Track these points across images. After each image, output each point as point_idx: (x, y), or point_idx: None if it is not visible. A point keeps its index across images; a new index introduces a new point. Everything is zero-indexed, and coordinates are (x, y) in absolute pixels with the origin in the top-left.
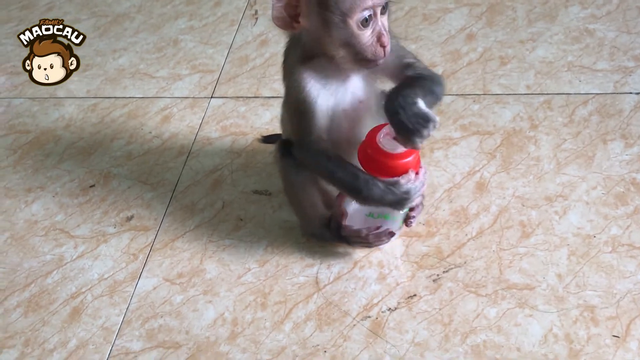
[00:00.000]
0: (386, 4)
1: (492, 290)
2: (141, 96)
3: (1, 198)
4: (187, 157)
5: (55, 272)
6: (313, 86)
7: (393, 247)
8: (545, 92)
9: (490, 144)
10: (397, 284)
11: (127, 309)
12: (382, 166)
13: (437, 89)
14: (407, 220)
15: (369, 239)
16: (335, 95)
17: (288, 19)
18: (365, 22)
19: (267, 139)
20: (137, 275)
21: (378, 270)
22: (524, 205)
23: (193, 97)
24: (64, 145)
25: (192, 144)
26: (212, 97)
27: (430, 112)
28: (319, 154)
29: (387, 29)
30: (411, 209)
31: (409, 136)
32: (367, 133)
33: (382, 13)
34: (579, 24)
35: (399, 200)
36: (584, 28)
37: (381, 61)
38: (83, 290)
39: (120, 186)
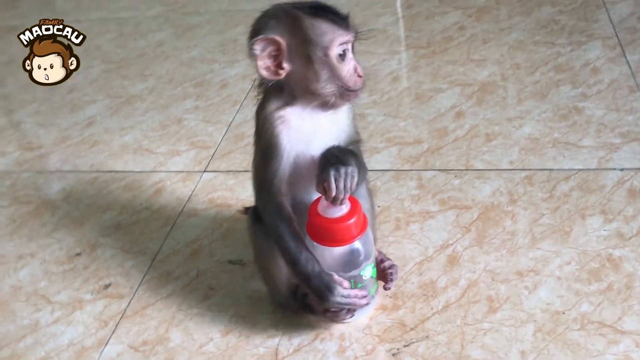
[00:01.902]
0: (354, 40)
1: None
2: (139, 170)
3: None
4: (172, 227)
5: (28, 336)
6: (283, 130)
7: (357, 321)
8: (528, 168)
9: (466, 218)
10: (356, 358)
11: None
12: (325, 232)
13: (365, 175)
14: (384, 286)
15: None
16: (305, 140)
17: (273, 68)
18: (341, 57)
19: (249, 210)
20: (105, 342)
21: (338, 343)
22: (493, 280)
23: (187, 171)
24: (59, 215)
25: (179, 215)
26: (204, 171)
27: (351, 163)
28: (275, 210)
29: (357, 62)
30: (382, 277)
31: (323, 181)
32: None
33: (352, 50)
34: (568, 102)
35: (321, 291)
36: (573, 106)
37: (360, 91)
38: (52, 355)
39: (104, 254)
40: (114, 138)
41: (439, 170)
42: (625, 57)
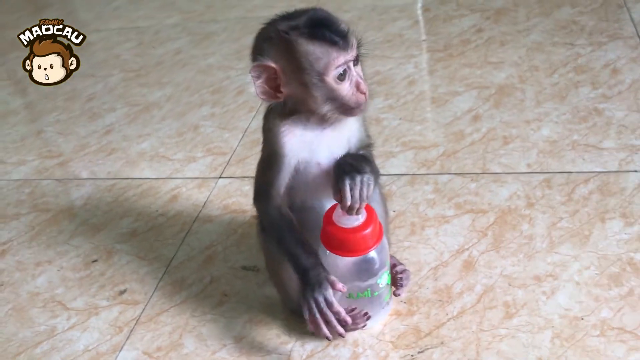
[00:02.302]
0: (357, 56)
1: None
2: (155, 177)
3: (12, 271)
4: (187, 234)
5: (45, 342)
6: (289, 140)
7: (371, 326)
8: (546, 171)
9: (482, 222)
10: None
11: None
12: (340, 241)
13: (378, 181)
14: (395, 292)
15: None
16: (311, 149)
17: (271, 92)
18: (341, 77)
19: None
20: (119, 348)
21: (352, 350)
22: (510, 285)
23: (203, 178)
24: (77, 222)
25: (194, 221)
26: (220, 177)
27: (366, 171)
28: (273, 211)
29: (362, 77)
30: (395, 285)
31: (339, 190)
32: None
33: (355, 64)
34: (588, 103)
35: (312, 285)
36: (592, 107)
37: (364, 107)
38: None
39: (120, 261)
40: (132, 145)
41: (455, 174)
42: None
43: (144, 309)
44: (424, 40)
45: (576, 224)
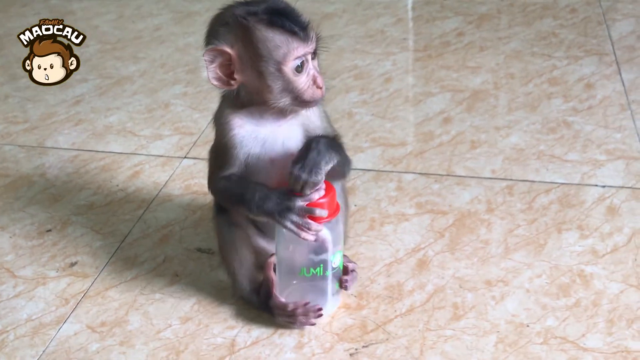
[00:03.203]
0: (315, 49)
1: None
2: (119, 152)
3: None
4: (145, 211)
5: None
6: (238, 132)
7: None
8: (509, 178)
9: (441, 223)
10: (313, 354)
11: (43, 351)
12: None
13: (347, 169)
14: (342, 284)
15: (296, 313)
16: (263, 144)
17: (224, 78)
18: (299, 68)
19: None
20: (63, 320)
21: (297, 339)
22: (461, 287)
23: (167, 156)
24: (35, 190)
25: (153, 199)
26: (185, 157)
27: (320, 172)
28: (222, 181)
29: (319, 71)
30: (345, 272)
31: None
32: None
33: (313, 58)
34: (558, 115)
35: (280, 209)
36: (562, 120)
37: (319, 101)
38: (8, 329)
39: (74, 233)
40: (100, 118)
41: (419, 173)
42: (620, 75)
43: (92, 283)
44: (405, 39)
45: (533, 233)
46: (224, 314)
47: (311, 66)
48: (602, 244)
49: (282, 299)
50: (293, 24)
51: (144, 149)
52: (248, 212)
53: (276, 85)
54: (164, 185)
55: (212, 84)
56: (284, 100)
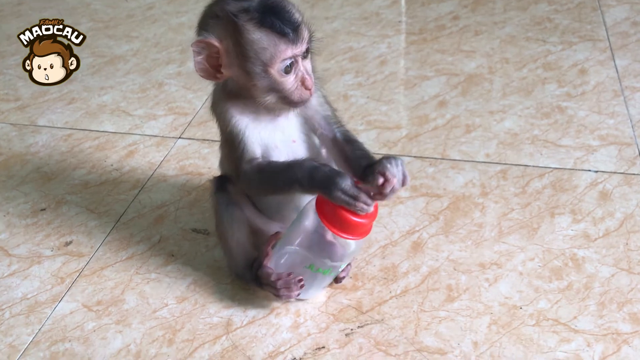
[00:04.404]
0: (307, 49)
1: (402, 350)
2: (113, 131)
3: None
4: (140, 191)
5: None
6: (239, 119)
7: (314, 298)
8: (503, 162)
9: (436, 206)
10: (309, 334)
11: (39, 329)
12: (348, 224)
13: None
14: (336, 278)
15: (277, 285)
16: (264, 132)
17: (211, 70)
18: (288, 69)
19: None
20: (59, 299)
21: (293, 319)
22: (455, 269)
23: (162, 136)
24: (29, 169)
25: (148, 179)
26: (179, 137)
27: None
28: (255, 170)
29: (310, 72)
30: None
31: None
32: None
33: (304, 58)
34: (552, 100)
35: (326, 183)
36: (556, 105)
37: (307, 102)
38: (3, 307)
39: (68, 212)
40: (93, 97)
41: (414, 157)
42: (614, 61)
43: (88, 262)
44: (400, 22)
45: (526, 216)
46: (220, 294)
47: (301, 67)
48: (594, 228)
49: (269, 269)
50: (284, 24)
51: (138, 129)
52: (297, 187)
53: (262, 85)
54: (158, 166)
55: (198, 74)
56: (270, 99)
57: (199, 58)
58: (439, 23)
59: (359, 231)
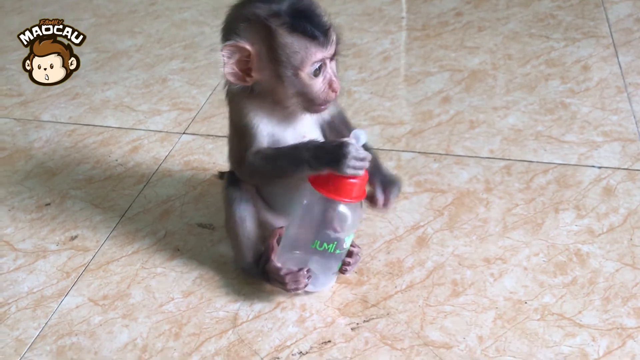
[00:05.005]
0: (335, 52)
1: (408, 345)
2: (117, 126)
3: None
4: (145, 186)
5: None
6: (255, 114)
7: (320, 292)
8: (508, 158)
9: (440, 201)
10: (315, 328)
11: (45, 324)
12: (331, 182)
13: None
14: (342, 267)
15: (285, 279)
16: (277, 128)
17: (240, 74)
18: (317, 72)
19: (225, 174)
20: (65, 293)
21: (299, 313)
22: (460, 264)
23: (166, 132)
24: (33, 164)
25: (153, 174)
26: (184, 133)
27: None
28: (258, 157)
29: (336, 74)
30: (348, 255)
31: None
32: None
33: (331, 60)
34: (555, 96)
35: (337, 156)
36: (559, 101)
37: (331, 103)
38: (10, 301)
39: (73, 207)
40: (96, 92)
41: (418, 152)
42: (617, 58)
43: (94, 256)
44: (403, 18)
45: (531, 212)
46: (226, 288)
47: (329, 69)
48: (598, 223)
49: (278, 264)
50: (315, 28)
51: (142, 124)
52: (303, 167)
53: (292, 89)
54: (163, 161)
55: (227, 79)
56: (296, 102)
57: (230, 62)
58: (442, 19)
59: (354, 193)
